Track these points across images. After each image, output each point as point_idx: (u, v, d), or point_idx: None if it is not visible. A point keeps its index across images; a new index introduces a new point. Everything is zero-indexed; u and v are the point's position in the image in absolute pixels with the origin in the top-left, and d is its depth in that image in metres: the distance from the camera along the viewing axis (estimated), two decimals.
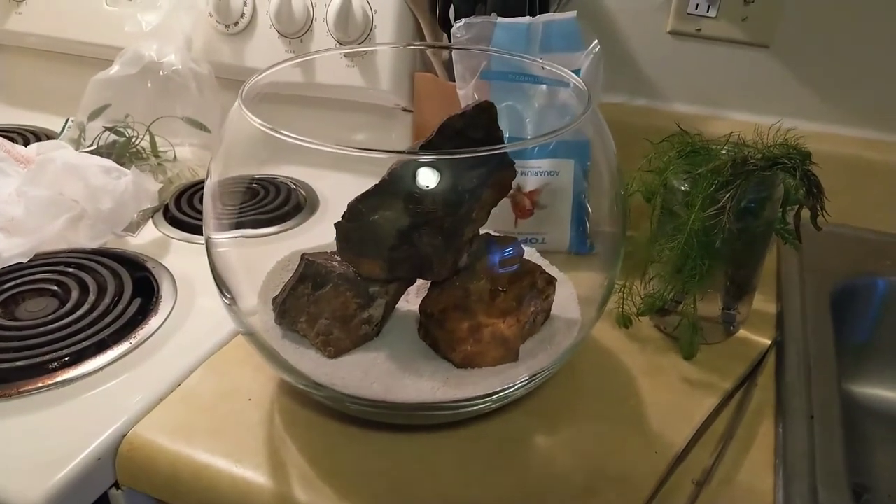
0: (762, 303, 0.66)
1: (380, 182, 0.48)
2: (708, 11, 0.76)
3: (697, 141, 0.57)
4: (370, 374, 0.48)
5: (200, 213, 0.78)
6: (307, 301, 0.50)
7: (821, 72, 0.76)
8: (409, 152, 0.47)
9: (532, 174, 0.67)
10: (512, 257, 0.50)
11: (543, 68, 0.57)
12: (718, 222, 0.52)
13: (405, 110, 0.84)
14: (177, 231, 0.75)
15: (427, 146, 0.49)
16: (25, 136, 0.95)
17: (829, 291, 0.67)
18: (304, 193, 0.81)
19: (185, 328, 0.61)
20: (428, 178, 0.47)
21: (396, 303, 0.53)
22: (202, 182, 0.86)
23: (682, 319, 0.59)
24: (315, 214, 0.78)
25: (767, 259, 0.62)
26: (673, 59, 0.80)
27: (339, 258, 0.51)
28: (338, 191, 0.74)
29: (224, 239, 0.53)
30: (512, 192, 0.68)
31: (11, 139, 0.92)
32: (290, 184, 0.82)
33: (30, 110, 1.04)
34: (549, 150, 0.66)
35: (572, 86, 0.53)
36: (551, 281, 0.53)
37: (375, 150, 0.41)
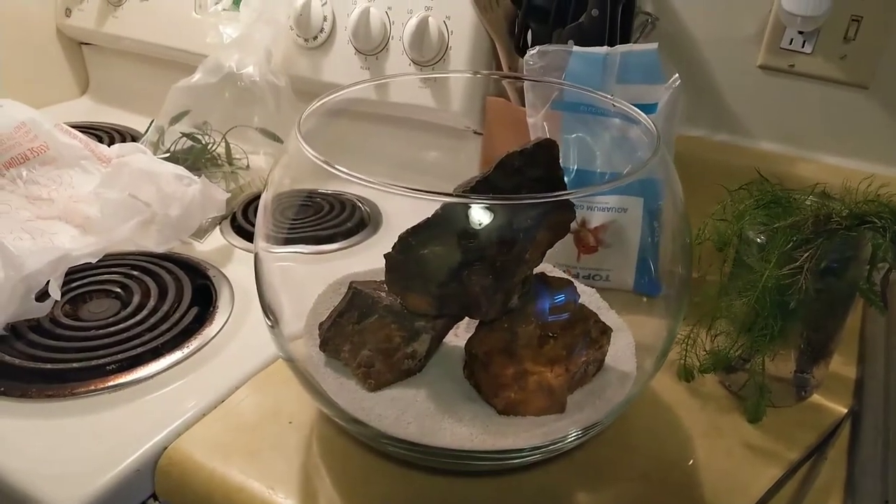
0: (841, 365, 0.61)
1: (432, 216, 0.46)
2: (803, 47, 0.71)
3: (779, 190, 0.53)
4: (408, 412, 0.47)
5: None
6: (352, 330, 0.50)
7: None
8: (461, 195, 0.46)
9: (598, 210, 0.64)
10: (564, 304, 0.47)
11: (614, 105, 0.54)
12: (795, 282, 0.48)
13: (476, 133, 0.82)
14: (241, 240, 0.76)
15: (484, 182, 0.47)
16: (112, 135, 0.99)
17: None
18: (368, 211, 0.81)
19: (236, 341, 0.61)
20: (481, 217, 0.45)
21: (443, 338, 0.52)
22: None
23: (749, 379, 0.55)
24: (377, 233, 0.77)
25: (851, 317, 0.57)
26: (761, 95, 0.75)
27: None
28: (401, 209, 0.74)
29: (277, 253, 0.53)
30: (576, 227, 0.65)
31: (99, 137, 0.96)
32: (355, 200, 0.82)
33: (119, 109, 1.09)
34: (618, 187, 0.63)
35: (643, 127, 0.50)
36: (606, 330, 0.50)
37: (426, 192, 0.40)
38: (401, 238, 0.47)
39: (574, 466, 0.50)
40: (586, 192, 0.59)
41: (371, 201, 0.82)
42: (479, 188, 0.47)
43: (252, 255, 0.72)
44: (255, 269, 0.51)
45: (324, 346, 0.51)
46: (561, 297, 0.47)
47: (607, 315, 0.56)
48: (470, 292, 0.47)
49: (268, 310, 0.50)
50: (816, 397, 0.58)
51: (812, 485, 0.50)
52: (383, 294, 0.50)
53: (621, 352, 0.53)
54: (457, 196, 0.45)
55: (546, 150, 0.47)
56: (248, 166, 0.87)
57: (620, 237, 0.64)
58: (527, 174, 0.47)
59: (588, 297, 0.59)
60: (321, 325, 0.52)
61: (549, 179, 0.47)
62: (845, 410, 0.57)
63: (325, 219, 0.78)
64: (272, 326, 0.51)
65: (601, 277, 0.65)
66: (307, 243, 0.73)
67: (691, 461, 0.52)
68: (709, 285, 0.56)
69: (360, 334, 0.49)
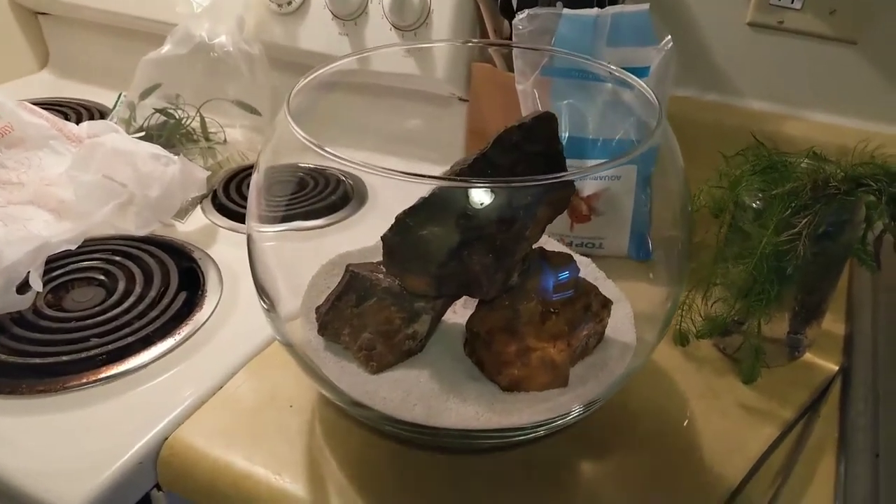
0: (830, 323, 0.62)
1: (428, 196, 0.45)
2: (793, 3, 0.70)
3: (774, 155, 0.53)
4: (412, 394, 0.46)
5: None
6: (351, 313, 0.49)
7: None
8: (459, 179, 0.44)
9: (591, 178, 0.64)
10: (567, 281, 0.47)
11: (611, 73, 0.53)
12: (793, 248, 0.49)
13: (461, 100, 0.80)
14: (224, 219, 0.74)
15: (481, 159, 0.46)
16: (78, 111, 0.95)
17: None
18: (351, 184, 0.79)
19: (228, 325, 0.60)
20: (480, 196, 0.44)
21: (442, 317, 0.51)
22: (251, 167, 0.86)
23: (744, 341, 0.55)
24: (363, 208, 0.76)
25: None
26: (750, 53, 0.74)
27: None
28: (386, 183, 0.73)
29: (268, 233, 0.52)
30: None
31: (64, 114, 0.93)
32: (339, 175, 0.80)
33: (83, 84, 1.04)
34: (611, 155, 0.62)
35: (641, 95, 0.49)
36: (607, 304, 0.50)
37: (421, 176, 0.39)
38: (398, 219, 0.46)
39: (578, 436, 0.51)
40: (591, 172, 0.59)
41: (355, 175, 0.80)
42: (477, 166, 0.45)
43: (237, 234, 0.72)
44: (248, 252, 0.50)
45: (322, 329, 0.50)
46: (564, 274, 0.47)
47: (605, 285, 0.56)
48: (470, 272, 0.46)
49: (262, 292, 0.49)
50: (808, 356, 0.59)
51: (807, 442, 0.51)
52: (381, 276, 0.49)
53: (620, 322, 0.53)
54: (460, 180, 0.44)
55: (545, 124, 0.46)
56: (225, 140, 0.84)
57: (614, 205, 0.63)
58: (525, 149, 0.46)
59: (585, 267, 0.58)
60: (318, 308, 0.51)
61: (548, 154, 0.46)
62: (836, 368, 0.58)
63: (310, 195, 0.77)
64: (268, 310, 0.50)
65: (595, 245, 0.65)
66: (294, 220, 0.71)
67: (688, 423, 0.53)
68: (704, 251, 0.57)
69: (360, 317, 0.49)
